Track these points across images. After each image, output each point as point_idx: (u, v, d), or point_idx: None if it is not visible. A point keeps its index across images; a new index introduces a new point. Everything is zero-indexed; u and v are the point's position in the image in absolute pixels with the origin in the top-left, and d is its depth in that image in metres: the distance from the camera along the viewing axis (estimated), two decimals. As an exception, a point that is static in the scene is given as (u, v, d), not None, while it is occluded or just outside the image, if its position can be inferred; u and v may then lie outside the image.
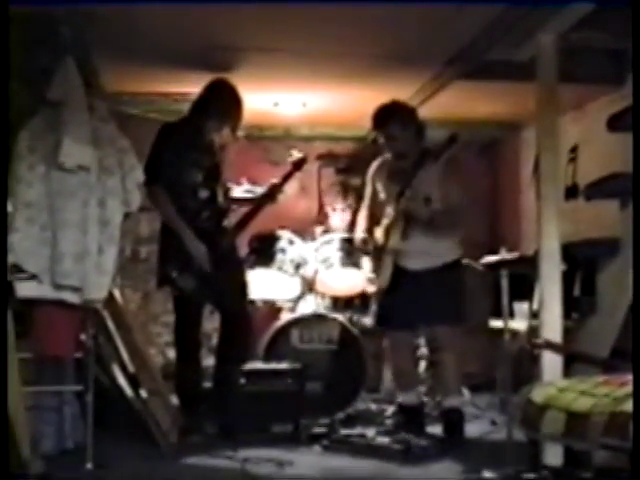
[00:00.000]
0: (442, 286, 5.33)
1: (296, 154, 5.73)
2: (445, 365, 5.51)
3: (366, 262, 5.85)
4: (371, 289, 5.79)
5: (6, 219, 4.34)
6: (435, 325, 5.44)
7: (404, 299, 5.37)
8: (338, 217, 7.35)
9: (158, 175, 5.10)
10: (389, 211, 5.44)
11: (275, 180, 5.64)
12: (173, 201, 5.19)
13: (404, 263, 5.41)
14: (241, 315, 5.50)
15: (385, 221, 5.47)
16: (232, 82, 5.42)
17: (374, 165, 5.72)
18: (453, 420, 5.42)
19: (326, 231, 7.09)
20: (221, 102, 5.34)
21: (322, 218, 7.51)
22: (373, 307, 5.93)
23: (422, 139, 5.48)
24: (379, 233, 5.51)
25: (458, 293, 5.45)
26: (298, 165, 5.69)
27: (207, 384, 5.54)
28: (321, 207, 7.77)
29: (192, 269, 5.18)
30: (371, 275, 5.68)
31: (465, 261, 5.88)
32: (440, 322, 5.38)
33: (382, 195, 5.59)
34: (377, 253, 5.53)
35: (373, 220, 5.64)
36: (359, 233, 5.73)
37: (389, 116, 5.43)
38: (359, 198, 7.19)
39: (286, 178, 5.65)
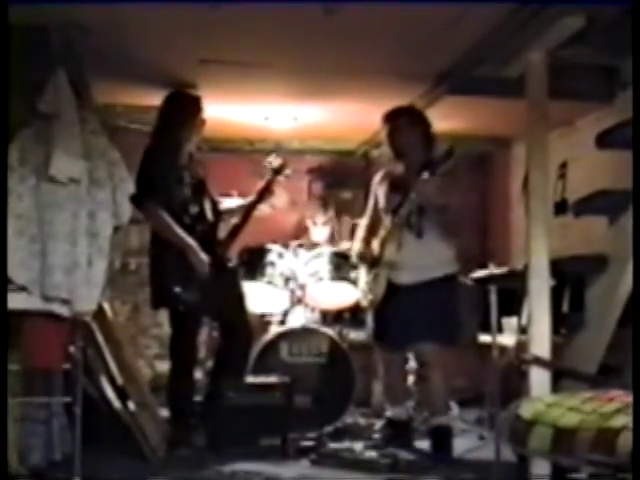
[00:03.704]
0: (430, 302, 5.28)
1: (274, 160, 5.76)
2: (432, 382, 5.49)
3: (361, 274, 5.79)
4: (364, 302, 5.76)
5: (6, 231, 4.35)
6: (421, 343, 5.42)
7: (394, 315, 5.37)
8: (319, 231, 7.34)
9: (152, 192, 5.10)
10: (386, 223, 5.45)
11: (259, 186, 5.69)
12: None
13: (395, 277, 5.40)
14: (243, 328, 5.50)
15: (382, 232, 5.48)
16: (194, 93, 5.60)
17: (378, 175, 5.75)
18: (441, 437, 5.41)
19: (301, 245, 7.04)
20: (181, 110, 5.41)
21: (302, 232, 7.51)
22: (368, 321, 5.92)
23: (430, 149, 5.47)
24: (376, 244, 5.52)
25: (447, 310, 5.39)
26: (278, 171, 5.72)
27: (196, 397, 5.54)
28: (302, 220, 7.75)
29: (195, 282, 5.18)
30: (365, 288, 5.66)
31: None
32: (426, 340, 5.35)
33: (381, 203, 5.59)
34: (372, 265, 5.54)
35: (374, 230, 5.64)
36: (356, 244, 5.73)
37: (401, 112, 5.49)
38: (346, 212, 7.23)
39: (268, 185, 5.67)
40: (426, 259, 5.34)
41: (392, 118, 5.51)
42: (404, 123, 5.45)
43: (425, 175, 5.04)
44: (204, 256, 5.19)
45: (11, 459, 4.12)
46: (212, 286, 5.20)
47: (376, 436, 5.76)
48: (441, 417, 5.45)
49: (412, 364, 6.26)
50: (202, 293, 5.18)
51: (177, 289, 5.13)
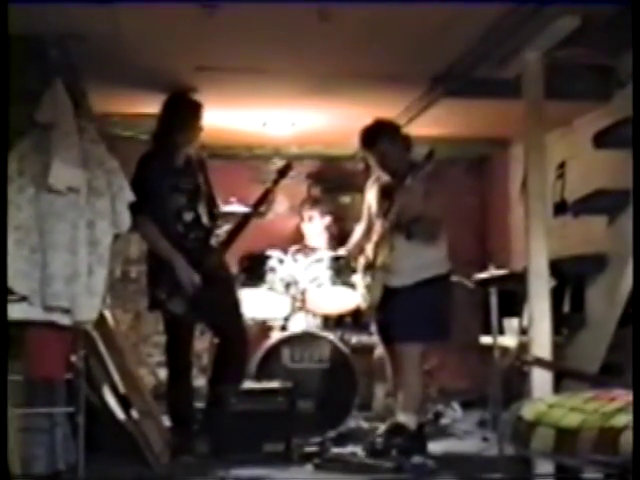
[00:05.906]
0: (417, 302, 5.27)
1: (280, 162, 5.74)
2: (402, 385, 5.40)
3: (358, 279, 5.78)
4: (364, 306, 5.76)
5: (6, 241, 4.35)
6: (396, 342, 5.39)
7: (386, 316, 5.42)
8: (316, 236, 7.34)
9: (142, 205, 5.06)
10: (377, 227, 5.46)
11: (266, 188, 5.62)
12: (159, 227, 5.16)
13: (389, 281, 5.41)
14: (237, 334, 5.47)
15: (374, 237, 5.49)
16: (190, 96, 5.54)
17: (370, 181, 5.76)
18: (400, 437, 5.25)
19: (299, 250, 7.01)
20: (180, 114, 5.37)
21: (300, 237, 7.50)
22: (372, 325, 5.89)
23: (409, 152, 5.50)
24: (369, 249, 5.53)
25: (434, 308, 5.33)
26: (283, 172, 5.67)
27: (198, 404, 5.53)
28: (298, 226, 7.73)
29: (182, 292, 5.15)
30: (364, 293, 5.65)
31: (454, 278, 5.88)
32: (399, 339, 5.33)
33: (374, 209, 5.61)
34: (368, 270, 5.54)
35: (369, 236, 5.64)
36: (348, 247, 5.80)
37: (377, 135, 5.46)
38: (345, 216, 7.23)
39: (266, 195, 5.62)
40: (416, 261, 5.35)
41: (371, 143, 5.50)
42: (385, 146, 5.44)
43: (408, 181, 5.07)
44: (191, 271, 5.16)
45: (15, 469, 4.10)
46: (203, 294, 5.17)
47: (381, 440, 5.69)
48: (404, 415, 5.29)
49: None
50: (190, 303, 5.14)
51: (163, 297, 5.13)
